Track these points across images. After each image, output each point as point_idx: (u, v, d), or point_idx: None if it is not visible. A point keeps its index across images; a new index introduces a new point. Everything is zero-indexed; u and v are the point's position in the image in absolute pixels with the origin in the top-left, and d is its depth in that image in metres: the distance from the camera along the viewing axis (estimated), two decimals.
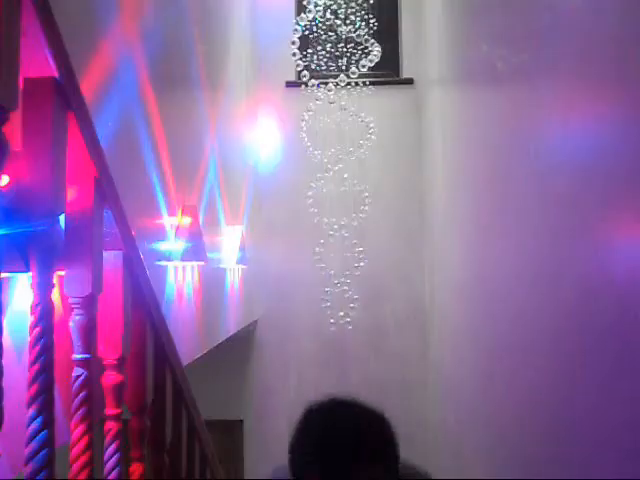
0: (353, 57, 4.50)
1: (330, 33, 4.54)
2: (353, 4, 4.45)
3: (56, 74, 0.87)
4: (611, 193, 1.25)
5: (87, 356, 1.00)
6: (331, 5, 4.34)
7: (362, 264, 4.39)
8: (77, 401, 1.00)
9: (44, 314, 0.86)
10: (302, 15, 4.19)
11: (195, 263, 2.51)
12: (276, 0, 5.03)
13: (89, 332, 1.01)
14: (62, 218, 0.96)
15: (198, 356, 2.64)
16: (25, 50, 0.78)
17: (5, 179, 0.84)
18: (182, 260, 2.32)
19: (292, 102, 4.77)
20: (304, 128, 4.41)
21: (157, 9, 2.23)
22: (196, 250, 2.37)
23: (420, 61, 4.85)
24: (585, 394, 1.42)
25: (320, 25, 4.51)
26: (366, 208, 4.49)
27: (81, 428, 1.00)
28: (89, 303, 1.00)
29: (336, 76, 4.37)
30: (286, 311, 4.72)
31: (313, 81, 4.31)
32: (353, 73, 4.33)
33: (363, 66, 4.29)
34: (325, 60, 4.63)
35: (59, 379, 0.93)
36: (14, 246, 0.85)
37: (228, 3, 3.79)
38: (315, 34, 4.56)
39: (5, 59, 0.71)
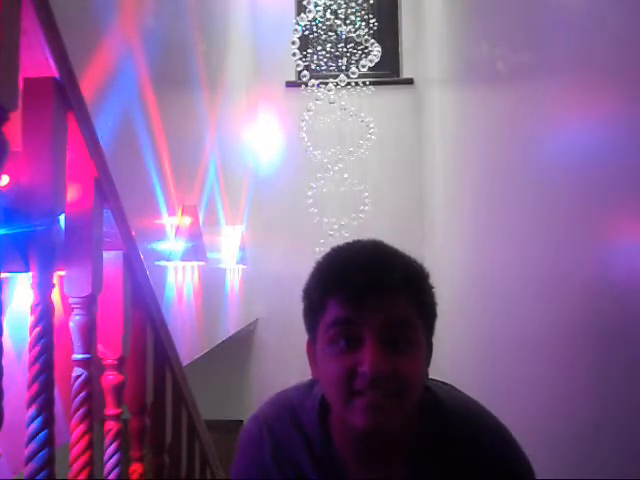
0: (353, 57, 4.50)
1: (330, 33, 4.54)
2: (353, 4, 4.45)
3: (56, 74, 0.87)
4: (612, 193, 1.25)
5: (87, 356, 1.00)
6: (331, 5, 4.34)
7: None
8: (77, 401, 0.99)
9: (44, 314, 0.86)
10: (302, 15, 4.19)
11: (195, 263, 2.51)
12: (276, 0, 5.03)
13: (89, 332, 1.01)
14: (62, 218, 0.96)
15: (198, 356, 2.64)
16: (25, 50, 0.78)
17: (5, 179, 0.84)
18: (182, 260, 2.32)
19: (292, 102, 4.77)
20: (304, 128, 4.41)
21: (157, 9, 2.23)
22: (196, 250, 2.37)
23: (420, 61, 4.85)
24: (586, 395, 1.42)
25: (320, 25, 4.51)
26: (366, 208, 4.49)
27: (81, 428, 1.00)
28: (89, 303, 1.00)
29: (336, 76, 4.37)
30: (286, 311, 4.70)
31: (313, 81, 4.31)
32: (353, 73, 4.33)
33: (363, 66, 4.28)
34: (325, 60, 4.63)
35: (59, 379, 0.93)
36: (14, 246, 0.85)
37: (228, 3, 3.79)
38: (315, 34, 4.56)
39: (5, 59, 0.71)
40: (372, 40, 4.32)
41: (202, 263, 2.54)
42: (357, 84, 4.47)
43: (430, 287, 0.91)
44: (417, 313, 0.86)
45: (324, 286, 0.88)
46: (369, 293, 0.83)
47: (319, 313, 0.88)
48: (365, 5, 4.50)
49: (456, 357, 3.45)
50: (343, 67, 4.49)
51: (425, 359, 0.88)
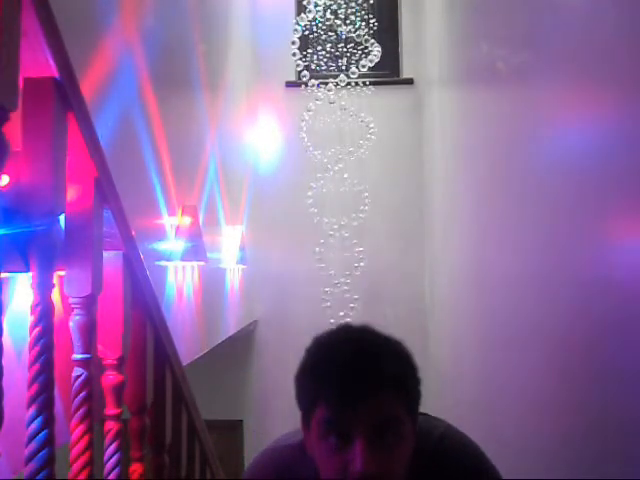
0: (353, 57, 4.50)
1: (330, 33, 4.54)
2: (353, 4, 4.45)
3: (56, 74, 0.87)
4: (610, 193, 1.25)
5: (87, 356, 1.00)
6: (331, 5, 4.34)
7: (362, 264, 4.39)
8: (77, 401, 0.99)
9: (44, 314, 0.86)
10: (302, 15, 4.19)
11: (195, 263, 2.51)
12: (276, 0, 5.03)
13: (89, 332, 1.01)
14: (62, 218, 0.96)
15: (198, 356, 2.64)
16: (25, 50, 0.78)
17: (5, 179, 0.84)
18: (182, 260, 2.32)
19: (292, 102, 4.77)
20: (304, 128, 4.41)
21: (157, 9, 2.23)
22: (196, 250, 2.37)
23: (420, 61, 4.85)
24: (584, 392, 1.42)
25: (320, 25, 4.51)
26: (366, 208, 4.49)
27: (81, 428, 1.00)
28: (89, 303, 1.00)
29: (336, 76, 4.37)
30: (286, 311, 4.71)
31: (313, 81, 4.31)
32: (353, 73, 4.33)
33: (363, 66, 4.29)
34: (325, 60, 4.63)
35: (59, 379, 0.93)
36: (14, 246, 0.85)
37: (228, 3, 3.79)
38: (315, 34, 4.56)
39: (5, 59, 0.71)
40: (372, 40, 4.32)
41: (202, 263, 2.54)
42: (357, 84, 4.47)
43: (417, 379, 0.93)
44: (405, 408, 0.89)
45: (313, 390, 0.90)
46: (358, 398, 0.85)
47: (310, 410, 0.90)
48: (365, 5, 4.50)
49: (456, 357, 3.45)
50: (343, 67, 4.49)
51: (412, 440, 0.91)
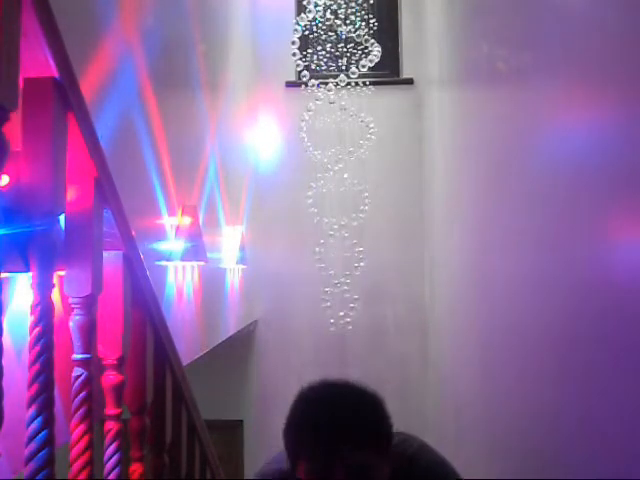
0: (353, 57, 4.50)
1: (330, 33, 4.54)
2: (353, 4, 4.45)
3: (56, 74, 0.87)
4: (611, 193, 1.25)
5: (87, 356, 1.00)
6: (331, 5, 4.34)
7: (362, 264, 4.39)
8: (77, 401, 0.99)
9: (44, 314, 0.86)
10: (302, 15, 4.19)
11: (195, 263, 2.51)
12: (276, 0, 5.03)
13: (89, 332, 1.01)
14: (62, 218, 0.96)
15: (198, 356, 2.64)
16: (25, 50, 0.78)
17: (5, 179, 0.84)
18: (182, 260, 2.32)
19: (292, 102, 4.77)
20: (304, 128, 4.41)
21: (157, 9, 2.23)
22: (196, 250, 2.37)
23: (420, 61, 4.85)
24: (585, 393, 1.42)
25: (320, 25, 4.51)
26: (366, 208, 4.49)
27: (81, 428, 1.00)
28: (89, 303, 1.00)
29: (336, 76, 4.37)
30: (286, 311, 4.72)
31: (313, 81, 4.31)
32: (353, 73, 4.33)
33: (363, 66, 4.28)
34: (325, 60, 4.63)
35: (59, 379, 0.93)
36: (14, 246, 0.85)
37: (228, 3, 3.79)
38: (315, 34, 4.56)
39: (5, 59, 0.71)
40: (372, 40, 4.32)
41: (202, 263, 2.54)
42: (357, 84, 4.47)
43: (389, 425, 1.06)
44: (378, 453, 1.02)
45: (296, 447, 1.05)
46: (334, 454, 0.98)
47: (296, 461, 1.05)
48: (365, 5, 4.50)
49: (456, 357, 3.45)
50: (343, 67, 4.49)
51: (385, 475, 1.04)
